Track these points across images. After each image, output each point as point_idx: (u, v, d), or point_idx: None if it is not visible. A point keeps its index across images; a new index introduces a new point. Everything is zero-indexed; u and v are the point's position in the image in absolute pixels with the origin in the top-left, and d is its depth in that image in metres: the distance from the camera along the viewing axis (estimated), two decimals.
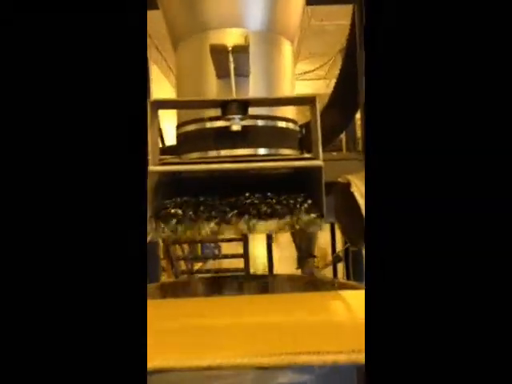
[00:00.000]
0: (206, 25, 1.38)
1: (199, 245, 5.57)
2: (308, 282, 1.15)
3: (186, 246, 5.09)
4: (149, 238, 1.28)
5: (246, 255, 4.23)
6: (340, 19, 7.60)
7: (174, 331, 0.77)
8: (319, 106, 2.04)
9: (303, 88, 11.23)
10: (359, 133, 3.89)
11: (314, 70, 9.52)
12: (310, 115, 1.25)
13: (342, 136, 4.47)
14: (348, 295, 1.00)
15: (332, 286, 1.14)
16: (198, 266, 5.34)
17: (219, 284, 1.19)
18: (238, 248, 4.47)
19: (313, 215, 1.17)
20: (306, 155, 1.34)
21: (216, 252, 5.74)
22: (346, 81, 2.58)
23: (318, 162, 1.12)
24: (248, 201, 1.24)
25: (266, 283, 1.16)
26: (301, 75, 9.94)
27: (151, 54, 7.62)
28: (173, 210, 1.16)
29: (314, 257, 3.54)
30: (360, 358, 0.58)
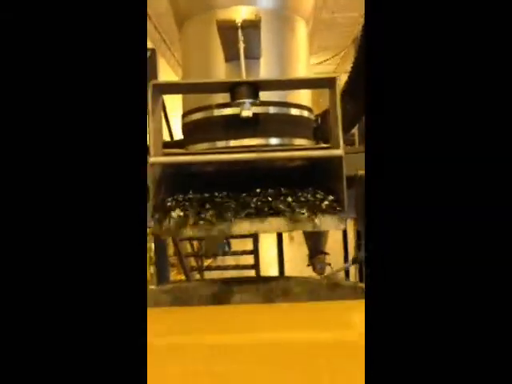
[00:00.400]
0: (212, 2, 1.25)
1: None
2: (328, 286, 1.02)
3: (195, 242, 5.02)
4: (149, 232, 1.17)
5: (256, 252, 4.13)
6: (351, 11, 7.47)
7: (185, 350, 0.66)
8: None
9: None
10: None
11: (323, 62, 9.36)
12: (326, 101, 1.13)
13: (355, 130, 4.33)
14: None
15: (354, 291, 1.01)
16: (207, 262, 5.27)
17: (231, 288, 1.07)
18: (248, 244, 4.38)
19: (334, 213, 1.04)
20: (324, 145, 1.22)
21: (226, 249, 5.68)
22: (360, 71, 2.46)
23: (339, 152, 1.00)
24: (260, 197, 1.12)
25: (281, 287, 1.04)
26: (311, 68, 9.78)
27: (160, 48, 7.57)
28: (176, 211, 1.04)
29: (326, 254, 3.42)
30: None
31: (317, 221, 1.04)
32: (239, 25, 1.05)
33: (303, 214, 1.04)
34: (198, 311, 0.90)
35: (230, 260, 5.26)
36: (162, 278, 3.14)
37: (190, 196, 1.10)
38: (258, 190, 1.16)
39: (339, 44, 7.88)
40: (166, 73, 7.37)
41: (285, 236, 4.52)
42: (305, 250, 3.54)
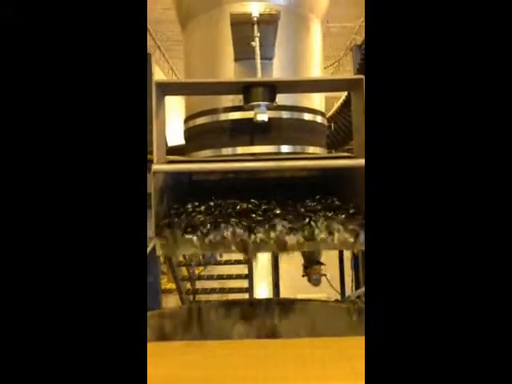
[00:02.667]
0: None
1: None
2: (349, 311, 0.90)
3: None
4: (149, 249, 1.04)
5: (249, 261, 4.02)
6: (345, 21, 7.47)
7: None
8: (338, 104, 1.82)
9: None
10: None
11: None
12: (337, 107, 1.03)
13: None
14: None
15: None
16: (198, 270, 5.18)
17: (233, 313, 0.95)
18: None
19: (354, 228, 0.93)
20: (343, 154, 1.11)
21: (217, 257, 5.60)
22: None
23: (361, 161, 0.89)
24: (272, 209, 1.00)
25: (293, 313, 0.91)
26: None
27: (155, 54, 7.48)
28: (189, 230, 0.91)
29: (321, 264, 3.32)
30: None
31: (336, 239, 0.93)
32: (255, 20, 0.94)
33: (322, 229, 0.93)
34: (196, 354, 0.78)
35: (222, 270, 5.13)
36: (153, 285, 2.98)
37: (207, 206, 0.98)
38: (264, 201, 1.05)
39: (332, 54, 7.88)
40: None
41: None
42: (300, 260, 3.42)
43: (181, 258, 4.51)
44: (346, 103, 1.85)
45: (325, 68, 8.77)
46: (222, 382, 0.61)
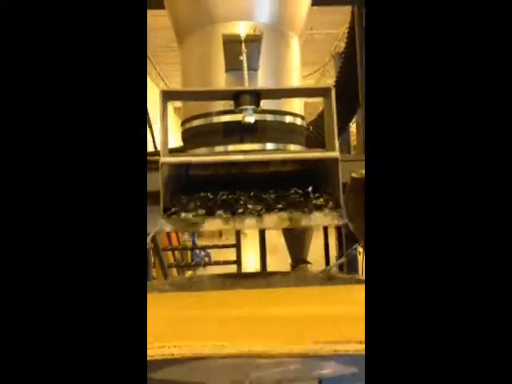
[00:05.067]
0: (214, 17, 1.35)
1: (189, 252, 5.55)
2: (326, 278, 1.11)
3: (177, 254, 5.02)
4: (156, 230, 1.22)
5: (238, 261, 4.15)
6: (329, 28, 7.70)
7: (200, 320, 0.72)
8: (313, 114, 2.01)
9: None
10: (353, 139, 3.89)
11: (305, 77, 9.58)
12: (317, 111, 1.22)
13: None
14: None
15: (350, 281, 1.10)
16: (188, 274, 5.29)
17: (233, 280, 1.14)
18: (227, 255, 4.40)
19: (329, 208, 1.14)
20: (319, 149, 1.31)
21: (206, 260, 5.72)
22: (344, 85, 2.60)
23: (335, 154, 1.09)
24: (260, 197, 1.21)
25: (280, 279, 1.12)
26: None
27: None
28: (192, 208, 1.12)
29: (308, 263, 3.49)
30: None
31: (312, 216, 1.13)
32: (243, 39, 1.14)
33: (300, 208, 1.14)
34: (207, 294, 0.96)
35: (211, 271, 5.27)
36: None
37: (199, 195, 1.17)
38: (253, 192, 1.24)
39: (317, 60, 8.10)
40: (150, 86, 7.42)
41: (268, 247, 4.54)
42: (288, 261, 3.60)
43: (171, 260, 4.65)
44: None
45: (310, 74, 9.02)
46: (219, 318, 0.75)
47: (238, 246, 4.23)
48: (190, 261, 5.86)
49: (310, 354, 0.54)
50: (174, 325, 0.72)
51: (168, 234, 4.35)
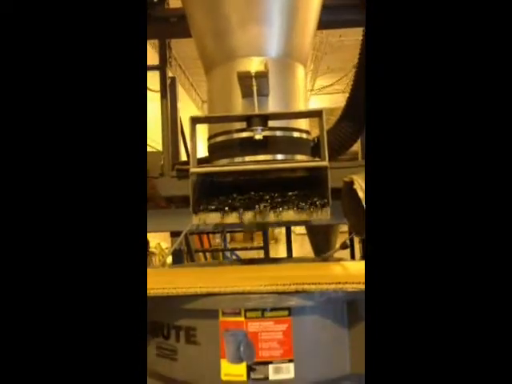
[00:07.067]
0: (233, 53, 1.69)
1: (220, 255, 5.85)
2: (321, 260, 1.42)
3: (209, 257, 5.30)
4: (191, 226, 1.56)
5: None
6: (358, 35, 7.91)
7: (208, 273, 1.05)
8: (335, 118, 2.33)
9: (323, 102, 11.56)
10: None
11: (332, 85, 9.82)
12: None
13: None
14: (347, 263, 1.28)
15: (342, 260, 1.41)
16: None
17: (242, 263, 1.47)
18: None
19: (322, 205, 1.45)
20: (317, 159, 1.63)
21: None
22: (357, 95, 2.83)
23: (324, 163, 1.41)
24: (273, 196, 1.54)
25: (283, 261, 1.44)
26: (321, 89, 10.27)
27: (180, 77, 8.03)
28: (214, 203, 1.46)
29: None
30: (347, 287, 0.85)
31: (307, 213, 1.45)
32: (253, 75, 1.48)
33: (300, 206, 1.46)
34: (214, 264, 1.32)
35: None
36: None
37: (221, 197, 1.52)
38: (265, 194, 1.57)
39: (345, 66, 8.32)
40: (183, 95, 7.90)
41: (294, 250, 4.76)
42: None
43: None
44: (342, 118, 2.34)
45: (339, 79, 9.22)
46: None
47: (265, 248, 4.51)
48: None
49: (280, 291, 0.86)
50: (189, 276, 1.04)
51: (200, 237, 4.70)
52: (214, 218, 1.44)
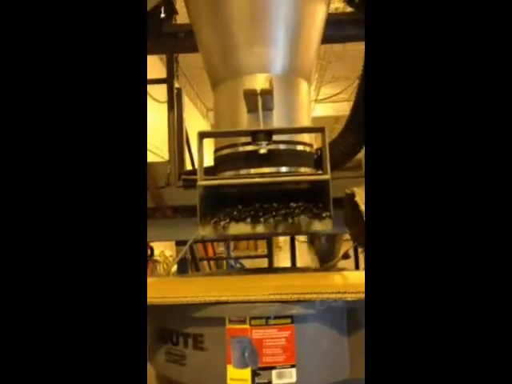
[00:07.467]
0: (239, 70, 1.76)
1: (224, 263, 5.89)
2: (323, 269, 1.48)
3: (213, 265, 5.34)
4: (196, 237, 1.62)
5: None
6: (362, 44, 7.98)
7: (215, 282, 1.10)
8: (340, 127, 2.39)
9: (328, 110, 11.63)
10: None
11: (337, 94, 9.91)
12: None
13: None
14: (348, 273, 1.34)
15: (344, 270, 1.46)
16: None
17: (247, 272, 1.53)
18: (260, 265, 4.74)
19: (324, 216, 1.51)
20: (319, 172, 1.69)
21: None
22: (360, 106, 2.88)
23: (326, 176, 1.47)
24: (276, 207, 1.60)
25: (287, 270, 1.49)
26: (326, 98, 10.37)
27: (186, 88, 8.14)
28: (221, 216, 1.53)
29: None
30: (346, 296, 0.91)
31: (311, 223, 1.50)
32: (258, 92, 1.54)
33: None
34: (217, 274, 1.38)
35: None
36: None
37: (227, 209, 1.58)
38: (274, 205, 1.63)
39: (350, 75, 8.41)
40: (188, 104, 8.01)
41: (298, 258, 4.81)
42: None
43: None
44: (345, 129, 2.41)
45: (343, 90, 9.29)
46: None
47: (269, 256, 4.57)
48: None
49: (284, 300, 0.92)
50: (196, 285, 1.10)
51: (204, 246, 4.76)
52: (220, 228, 1.50)
